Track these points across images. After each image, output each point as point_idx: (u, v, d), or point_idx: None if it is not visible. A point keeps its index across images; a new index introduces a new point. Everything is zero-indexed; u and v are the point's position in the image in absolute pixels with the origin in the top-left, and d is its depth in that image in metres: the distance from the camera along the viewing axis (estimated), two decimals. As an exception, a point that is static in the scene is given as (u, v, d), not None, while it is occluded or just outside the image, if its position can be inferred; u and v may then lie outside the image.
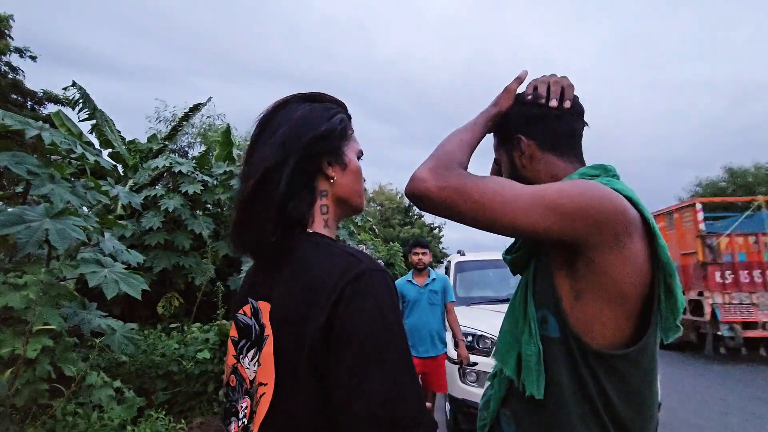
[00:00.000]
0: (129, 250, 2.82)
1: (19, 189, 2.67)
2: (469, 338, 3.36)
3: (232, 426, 0.67)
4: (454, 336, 3.27)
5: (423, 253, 3.38)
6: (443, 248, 26.39)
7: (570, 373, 0.73)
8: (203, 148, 10.58)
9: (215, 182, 4.67)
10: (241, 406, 0.66)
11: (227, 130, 5.80)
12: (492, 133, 0.95)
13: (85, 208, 3.35)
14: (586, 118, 0.90)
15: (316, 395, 0.56)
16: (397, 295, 0.62)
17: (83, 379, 2.17)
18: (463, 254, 5.15)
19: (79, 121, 4.97)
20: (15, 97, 12.15)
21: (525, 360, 0.78)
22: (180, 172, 4.35)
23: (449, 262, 5.18)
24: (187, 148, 17.04)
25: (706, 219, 7.35)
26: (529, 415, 0.79)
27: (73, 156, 2.79)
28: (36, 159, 2.29)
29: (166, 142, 5.71)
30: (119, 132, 5.52)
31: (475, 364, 3.19)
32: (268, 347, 0.61)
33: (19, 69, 12.08)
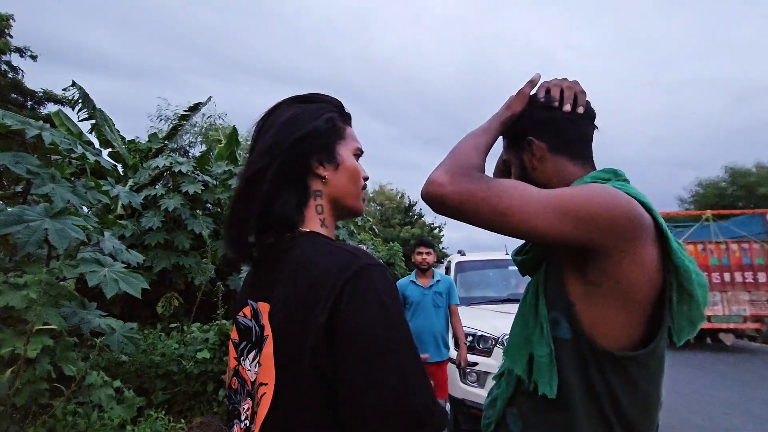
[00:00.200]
0: (129, 249, 2.82)
1: (19, 189, 2.67)
2: (470, 338, 3.34)
3: (235, 428, 0.67)
4: (456, 338, 3.20)
5: (427, 253, 3.26)
6: (443, 248, 26.38)
7: (580, 373, 0.74)
8: (204, 147, 10.58)
9: (215, 182, 4.67)
10: (243, 408, 0.66)
11: (233, 131, 5.78)
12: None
13: (85, 208, 3.36)
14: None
15: (318, 394, 0.56)
16: (397, 289, 0.62)
17: (83, 379, 2.17)
18: (464, 254, 5.15)
19: (79, 120, 4.97)
20: (15, 96, 12.15)
21: (537, 360, 0.79)
22: (180, 171, 4.34)
23: (449, 262, 5.17)
24: (188, 148, 17.04)
25: None
26: (536, 414, 0.80)
27: (73, 156, 2.79)
28: (36, 159, 2.29)
29: (166, 142, 5.71)
30: (119, 131, 5.51)
31: (476, 364, 3.19)
32: (268, 347, 0.61)
33: (19, 68, 12.09)
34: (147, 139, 5.80)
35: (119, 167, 5.18)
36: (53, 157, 2.76)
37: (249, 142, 0.76)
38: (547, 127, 0.87)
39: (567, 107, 0.85)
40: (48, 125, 2.47)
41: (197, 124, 17.22)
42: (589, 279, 0.73)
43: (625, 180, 0.82)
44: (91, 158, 2.77)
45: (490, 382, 3.13)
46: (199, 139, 17.19)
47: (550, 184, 0.84)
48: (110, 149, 5.11)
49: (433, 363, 3.04)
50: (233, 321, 0.74)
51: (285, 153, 0.68)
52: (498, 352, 3.21)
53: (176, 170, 4.35)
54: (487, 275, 4.89)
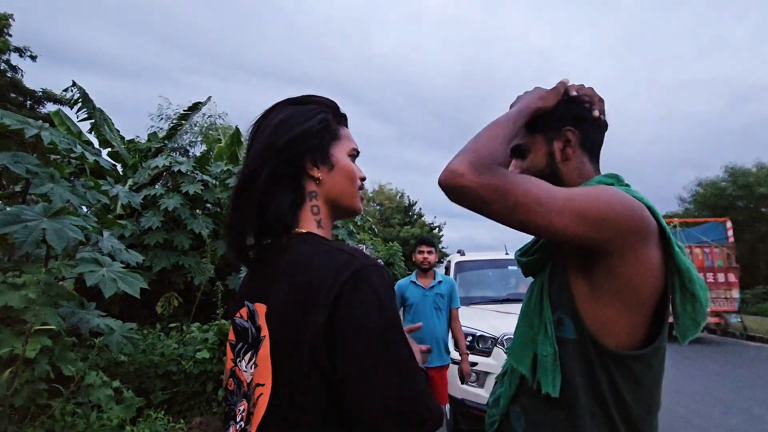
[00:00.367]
0: (128, 249, 2.82)
1: (18, 188, 2.67)
2: (469, 338, 3.33)
3: (230, 430, 0.67)
4: (457, 347, 3.03)
5: (429, 252, 3.07)
6: (443, 248, 26.36)
7: (584, 373, 0.76)
8: (205, 147, 10.56)
9: (215, 182, 4.67)
10: (239, 410, 0.66)
11: (236, 131, 5.78)
12: None
13: (84, 208, 3.35)
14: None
15: (316, 394, 0.56)
16: (394, 289, 0.63)
17: (82, 379, 2.17)
18: (463, 254, 5.14)
19: (78, 120, 4.97)
20: (14, 96, 12.14)
21: (541, 360, 0.80)
22: (180, 171, 4.34)
23: (449, 262, 5.17)
24: (188, 147, 17.04)
25: None
26: (539, 413, 0.82)
27: (72, 155, 2.79)
28: (35, 158, 2.29)
29: (166, 141, 5.70)
30: (118, 131, 5.51)
31: (475, 364, 3.18)
32: (265, 348, 0.61)
33: (19, 68, 12.08)
34: (147, 139, 5.80)
35: (119, 167, 5.17)
36: (52, 156, 2.76)
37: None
38: (583, 123, 0.90)
39: (596, 113, 0.90)
40: (47, 125, 2.47)
41: (197, 124, 17.22)
42: (594, 280, 0.75)
43: (627, 185, 0.85)
44: (91, 158, 2.77)
45: (490, 382, 3.13)
46: (200, 138, 17.18)
47: (570, 178, 0.87)
48: (109, 149, 5.10)
49: (434, 368, 2.87)
50: (231, 322, 0.74)
51: (277, 154, 0.68)
52: (497, 352, 3.20)
53: (176, 170, 4.34)
54: (487, 275, 4.89)
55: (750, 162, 18.74)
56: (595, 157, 0.92)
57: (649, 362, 0.74)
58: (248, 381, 0.64)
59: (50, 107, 11.90)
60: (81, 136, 4.87)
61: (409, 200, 29.18)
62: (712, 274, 9.05)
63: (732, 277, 9.06)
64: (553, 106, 0.89)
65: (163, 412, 2.61)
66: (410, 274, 3.23)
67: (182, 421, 2.76)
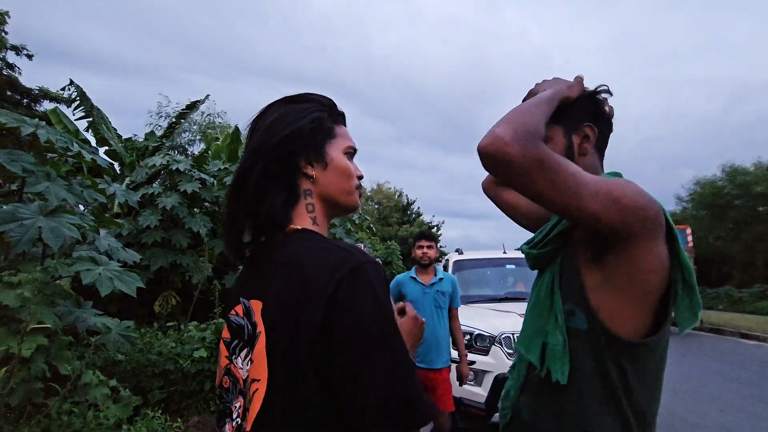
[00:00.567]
0: (125, 248, 2.81)
1: (15, 187, 2.66)
2: (467, 337, 3.33)
3: (227, 427, 0.67)
4: (456, 347, 2.92)
5: (429, 247, 2.91)
6: (441, 247, 26.40)
7: (594, 361, 0.79)
8: (203, 145, 10.54)
9: (213, 180, 4.66)
10: (235, 407, 0.66)
11: (236, 130, 5.77)
12: None
13: (81, 206, 3.34)
14: None
15: (312, 389, 0.57)
16: (388, 285, 0.63)
17: (78, 378, 2.16)
18: (462, 253, 5.14)
19: (76, 119, 4.95)
20: (11, 94, 12.08)
21: (550, 348, 0.83)
22: (177, 170, 4.33)
23: (447, 260, 5.17)
24: (187, 146, 17.00)
25: None
26: (549, 402, 0.85)
27: (69, 154, 2.77)
28: (32, 156, 2.28)
29: (163, 140, 5.69)
30: (116, 130, 5.49)
31: (473, 362, 3.18)
32: (260, 344, 0.61)
33: (16, 66, 12.02)
34: (144, 138, 5.78)
35: (116, 165, 5.16)
36: (49, 155, 2.74)
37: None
38: (601, 120, 0.93)
39: (610, 111, 0.94)
40: (44, 123, 2.46)
41: (196, 123, 17.19)
42: (607, 270, 0.78)
43: None
44: (87, 156, 2.75)
45: (488, 381, 3.14)
46: (198, 137, 17.13)
47: None
48: (107, 147, 5.08)
49: (434, 370, 2.73)
50: (225, 320, 0.74)
51: (270, 153, 0.68)
52: (495, 350, 3.21)
53: (174, 168, 4.33)
54: (485, 274, 4.89)
55: (749, 161, 18.78)
56: (602, 156, 0.96)
57: (654, 349, 0.78)
58: (244, 378, 0.64)
59: (47, 105, 11.84)
60: (78, 134, 4.85)
61: (407, 199, 29.19)
62: None
63: None
64: (576, 98, 0.92)
65: (160, 411, 2.60)
66: (410, 270, 3.06)
67: (180, 420, 2.76)
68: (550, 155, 0.72)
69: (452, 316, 2.89)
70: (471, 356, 3.20)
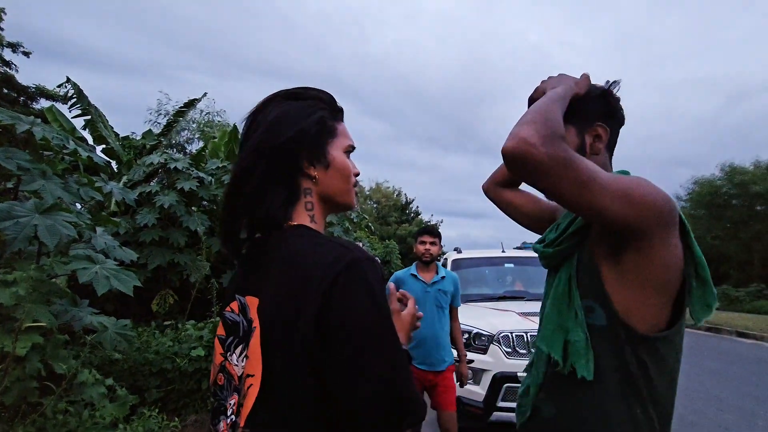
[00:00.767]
0: (122, 246, 2.79)
1: (11, 185, 2.64)
2: (465, 335, 3.31)
3: (221, 425, 0.66)
4: (455, 347, 2.79)
5: (432, 243, 2.72)
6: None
7: (614, 356, 0.81)
8: (202, 144, 10.51)
9: (210, 179, 4.64)
10: (230, 404, 0.66)
11: (234, 129, 5.75)
12: None
13: (78, 205, 3.32)
14: None
15: (307, 384, 0.57)
16: (384, 282, 0.63)
17: (74, 377, 2.15)
18: (460, 252, 5.14)
19: (72, 117, 4.92)
20: (7, 92, 12.02)
21: (573, 345, 0.85)
22: (175, 168, 4.31)
23: (446, 259, 5.17)
24: (186, 144, 16.96)
25: None
26: (570, 397, 0.86)
27: (65, 152, 2.75)
28: (27, 154, 2.26)
29: (161, 138, 5.66)
30: (113, 128, 5.46)
31: (471, 361, 3.17)
32: (255, 339, 0.61)
33: (12, 63, 11.96)
34: (141, 136, 5.75)
35: (113, 164, 5.13)
36: (45, 153, 2.73)
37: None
38: (613, 120, 0.94)
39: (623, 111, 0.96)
40: (39, 120, 2.44)
41: (195, 121, 17.16)
42: (624, 265, 0.79)
43: None
44: (84, 154, 2.74)
45: (486, 380, 3.13)
46: (197, 135, 17.10)
47: None
48: (104, 146, 5.06)
49: (435, 372, 2.58)
50: (220, 317, 0.73)
51: (273, 153, 0.67)
52: (494, 349, 3.20)
53: (171, 167, 4.31)
54: (483, 273, 4.89)
55: (747, 160, 18.85)
56: (611, 155, 0.97)
57: (672, 342, 0.81)
58: (239, 374, 0.64)
59: (44, 103, 11.79)
60: (75, 132, 4.82)
61: (406, 198, 29.20)
62: None
63: None
64: (586, 95, 0.92)
65: (157, 410, 2.59)
66: (410, 266, 2.87)
67: (177, 419, 2.75)
68: (574, 155, 0.73)
69: (452, 315, 2.78)
70: (469, 355, 3.19)
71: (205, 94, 6.54)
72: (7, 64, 11.90)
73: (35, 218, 1.97)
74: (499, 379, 3.03)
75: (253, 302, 0.64)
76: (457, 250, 5.23)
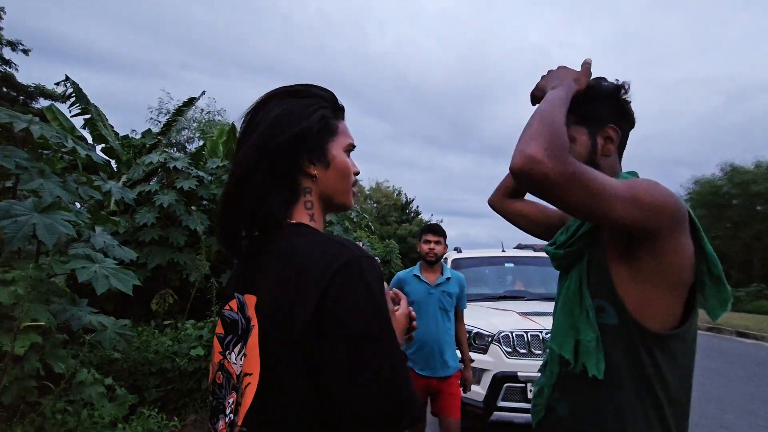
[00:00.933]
0: (121, 246, 2.78)
1: (9, 184, 2.63)
2: (466, 336, 3.30)
3: (219, 423, 0.66)
4: (460, 351, 2.63)
5: (436, 242, 2.55)
6: (440, 246, 26.41)
7: (627, 355, 0.81)
8: (202, 143, 10.53)
9: (210, 178, 4.63)
10: (228, 402, 0.65)
11: (232, 127, 5.76)
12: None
13: (77, 204, 3.31)
14: None
15: (304, 382, 0.56)
16: (382, 280, 0.62)
17: (73, 376, 2.14)
18: (460, 251, 5.13)
19: (72, 116, 4.91)
20: (7, 91, 12.02)
21: (584, 345, 0.86)
22: (175, 167, 4.30)
23: (446, 259, 5.16)
24: (186, 144, 16.98)
25: None
26: (583, 397, 0.87)
27: (64, 150, 2.75)
28: (25, 153, 2.25)
29: (160, 138, 5.66)
30: (112, 127, 5.46)
31: (472, 361, 3.16)
32: (253, 337, 0.61)
33: (12, 62, 11.95)
34: (141, 135, 5.75)
35: (113, 163, 5.12)
36: (44, 152, 2.72)
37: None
38: (624, 122, 0.95)
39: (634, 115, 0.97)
40: (37, 119, 2.43)
41: (196, 120, 17.18)
42: (636, 265, 0.80)
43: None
44: (83, 153, 2.73)
45: (486, 380, 3.12)
46: (197, 134, 17.10)
47: (605, 173, 0.90)
48: (104, 145, 5.05)
49: (438, 378, 2.41)
50: (219, 315, 0.73)
51: (275, 151, 0.67)
52: (494, 349, 3.19)
53: (171, 166, 4.30)
54: (483, 272, 4.88)
55: (748, 160, 18.84)
56: (621, 157, 0.98)
57: (684, 339, 0.81)
58: (237, 373, 0.64)
59: (44, 103, 11.78)
60: (74, 131, 4.81)
61: (406, 198, 29.20)
62: None
63: None
64: (596, 94, 0.93)
65: (156, 410, 2.59)
66: (414, 266, 2.72)
67: (176, 418, 2.74)
68: (582, 167, 0.73)
69: (458, 318, 2.62)
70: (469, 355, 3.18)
71: (203, 93, 6.55)
72: (7, 63, 11.90)
73: (34, 217, 1.96)
74: (500, 379, 3.02)
75: (251, 300, 0.64)
76: (457, 249, 5.23)
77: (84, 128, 4.99)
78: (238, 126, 0.75)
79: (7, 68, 11.86)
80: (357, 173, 0.76)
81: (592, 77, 0.95)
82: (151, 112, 16.54)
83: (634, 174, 0.93)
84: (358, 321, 0.55)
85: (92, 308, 2.40)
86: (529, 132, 0.75)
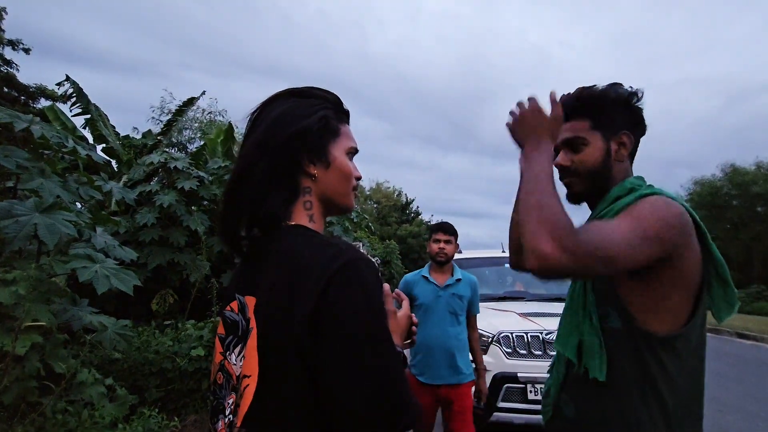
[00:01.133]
0: (122, 246, 2.78)
1: (11, 184, 2.63)
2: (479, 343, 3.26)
3: (219, 424, 0.67)
4: (473, 359, 2.46)
5: (447, 241, 2.40)
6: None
7: (633, 359, 0.82)
8: (202, 143, 10.54)
9: (210, 178, 4.63)
10: (228, 403, 0.66)
11: (229, 127, 5.77)
12: (574, 111, 0.97)
13: (78, 204, 3.32)
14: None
15: (302, 385, 0.57)
16: (380, 282, 0.62)
17: (74, 376, 2.14)
18: (460, 252, 5.13)
19: (73, 115, 4.92)
20: (8, 91, 12.02)
21: (587, 347, 0.87)
22: (175, 168, 4.30)
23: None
24: (187, 144, 17.00)
25: None
26: (589, 398, 0.87)
27: (64, 150, 2.75)
28: (26, 152, 2.25)
29: (160, 138, 5.66)
30: (113, 127, 5.46)
31: (487, 370, 3.14)
32: (252, 340, 0.61)
33: (13, 62, 11.97)
34: (142, 135, 5.75)
35: (113, 163, 5.12)
36: (45, 152, 2.72)
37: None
38: (637, 129, 0.97)
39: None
40: (38, 119, 2.44)
41: (198, 120, 17.20)
42: (639, 275, 0.80)
43: (650, 185, 0.93)
44: (83, 152, 2.73)
45: (486, 380, 3.13)
46: (198, 135, 17.12)
47: (617, 177, 0.95)
48: (104, 145, 5.06)
49: (447, 386, 2.27)
50: (221, 316, 0.73)
51: (275, 150, 0.67)
52: (494, 350, 3.20)
53: (171, 166, 4.30)
54: (483, 273, 4.88)
55: (748, 161, 18.85)
56: (632, 163, 1.00)
57: (689, 338, 0.82)
58: (237, 374, 0.64)
59: (45, 103, 11.79)
60: (75, 131, 4.82)
61: (406, 198, 29.20)
62: None
63: None
64: (612, 100, 0.94)
65: (157, 410, 2.59)
66: (422, 268, 2.57)
67: (176, 419, 2.74)
68: (591, 241, 0.71)
69: (470, 324, 2.45)
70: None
71: (203, 93, 6.54)
72: (8, 63, 11.91)
73: (35, 217, 1.96)
74: (500, 380, 3.02)
75: (251, 302, 0.64)
76: (458, 250, 5.22)
77: (85, 128, 5.00)
78: (243, 126, 0.75)
79: (9, 68, 11.87)
80: (359, 178, 0.76)
81: (608, 83, 0.96)
82: (153, 111, 16.60)
83: (641, 179, 0.95)
84: (355, 322, 0.55)
85: (93, 308, 2.40)
86: (530, 227, 0.73)
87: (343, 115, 0.77)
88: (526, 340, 3.13)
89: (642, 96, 0.96)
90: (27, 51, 12.06)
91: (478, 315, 2.51)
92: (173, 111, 6.03)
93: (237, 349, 0.65)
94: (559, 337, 0.97)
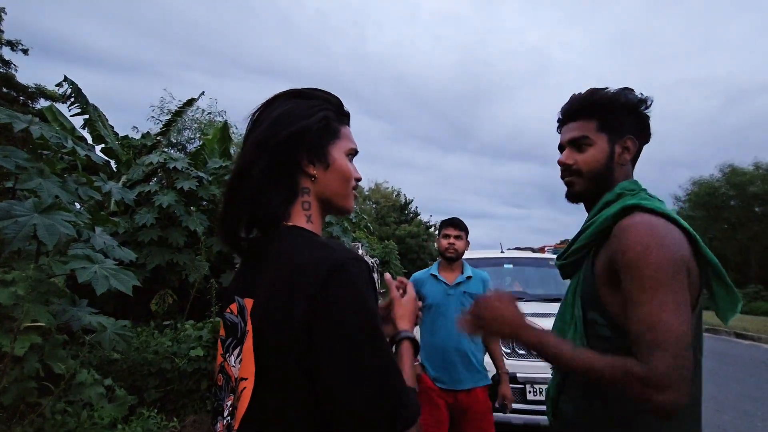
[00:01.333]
0: (121, 246, 2.78)
1: (10, 184, 2.63)
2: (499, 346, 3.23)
3: (218, 425, 0.67)
4: (494, 362, 2.32)
5: (457, 237, 2.27)
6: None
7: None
8: (201, 143, 10.53)
9: (210, 178, 4.63)
10: (226, 404, 0.66)
11: (224, 126, 5.77)
12: (582, 111, 0.99)
13: (77, 204, 3.31)
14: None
15: (298, 387, 0.57)
16: (374, 283, 0.62)
17: (73, 377, 2.14)
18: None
19: (71, 116, 4.91)
20: (7, 91, 11.99)
21: None
22: (174, 168, 4.30)
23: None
24: (187, 144, 16.97)
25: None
26: (584, 399, 0.89)
27: (63, 150, 2.75)
28: (25, 153, 2.25)
29: (159, 138, 5.65)
30: (112, 127, 5.45)
31: (506, 373, 3.13)
32: (248, 342, 0.61)
33: (12, 63, 11.94)
34: (141, 136, 5.75)
35: (112, 163, 5.12)
36: (44, 152, 2.72)
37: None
38: (642, 135, 0.98)
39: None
40: (37, 119, 2.43)
41: (197, 121, 17.18)
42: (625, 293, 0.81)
43: (644, 189, 0.94)
44: (82, 153, 2.73)
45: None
46: (198, 135, 17.09)
47: (618, 180, 0.96)
48: (103, 145, 5.05)
49: (460, 390, 2.16)
50: (221, 318, 0.74)
51: (275, 149, 0.67)
52: (493, 349, 3.20)
53: (170, 167, 4.30)
54: (483, 273, 4.89)
55: (746, 162, 18.91)
56: (634, 168, 1.01)
57: None
58: (236, 376, 0.64)
59: (44, 103, 11.76)
60: (74, 132, 4.81)
61: (405, 198, 29.19)
62: None
63: None
64: (621, 104, 0.95)
65: (156, 411, 2.59)
66: (431, 266, 2.46)
67: (176, 419, 2.74)
68: (669, 356, 0.72)
69: None
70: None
71: (202, 93, 6.54)
72: (7, 63, 11.88)
73: (34, 217, 1.96)
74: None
75: (249, 304, 0.65)
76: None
77: (83, 128, 4.99)
78: (242, 127, 0.75)
79: (7, 69, 11.84)
80: (359, 179, 0.76)
81: (619, 87, 0.98)
82: (153, 110, 16.58)
83: (635, 183, 0.95)
84: (353, 323, 0.56)
85: (92, 309, 2.40)
86: (629, 394, 0.74)
87: (344, 117, 0.77)
88: (524, 340, 3.13)
89: (651, 104, 0.97)
90: (26, 51, 12.04)
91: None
92: (173, 111, 6.02)
93: (236, 352, 0.65)
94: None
